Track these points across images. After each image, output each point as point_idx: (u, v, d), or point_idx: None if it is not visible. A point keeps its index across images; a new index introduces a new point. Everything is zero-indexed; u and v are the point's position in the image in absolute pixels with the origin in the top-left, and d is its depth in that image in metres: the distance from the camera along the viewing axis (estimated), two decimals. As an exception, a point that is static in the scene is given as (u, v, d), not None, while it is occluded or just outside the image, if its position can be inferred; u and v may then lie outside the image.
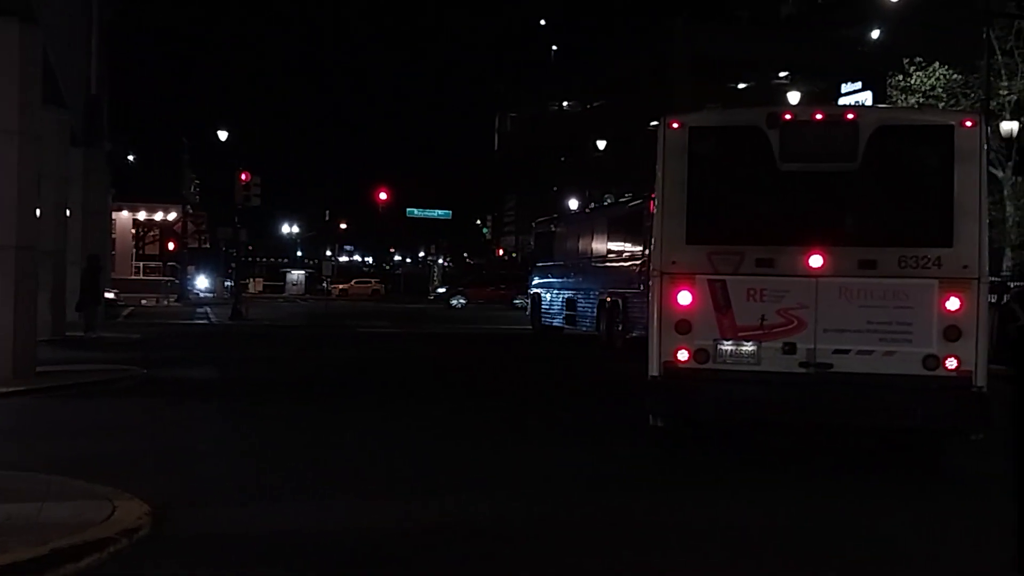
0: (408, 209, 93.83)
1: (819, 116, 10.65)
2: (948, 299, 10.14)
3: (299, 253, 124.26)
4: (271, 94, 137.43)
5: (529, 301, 34.36)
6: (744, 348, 10.50)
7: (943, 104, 35.45)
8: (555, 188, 73.63)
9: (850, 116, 10.59)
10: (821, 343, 10.32)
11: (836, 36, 66.24)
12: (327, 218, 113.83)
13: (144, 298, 56.25)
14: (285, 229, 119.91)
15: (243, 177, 42.04)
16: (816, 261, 10.39)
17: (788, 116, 10.66)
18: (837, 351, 10.30)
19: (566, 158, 78.38)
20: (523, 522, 7.93)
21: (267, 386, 17.14)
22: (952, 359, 10.07)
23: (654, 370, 10.67)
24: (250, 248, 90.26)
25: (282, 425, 12.83)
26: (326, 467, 9.97)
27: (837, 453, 11.27)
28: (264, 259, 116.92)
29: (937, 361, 10.09)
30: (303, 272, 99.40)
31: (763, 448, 11.52)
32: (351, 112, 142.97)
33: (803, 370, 10.36)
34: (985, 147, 10.50)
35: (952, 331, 10.09)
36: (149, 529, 7.33)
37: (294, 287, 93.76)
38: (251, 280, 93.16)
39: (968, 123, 10.42)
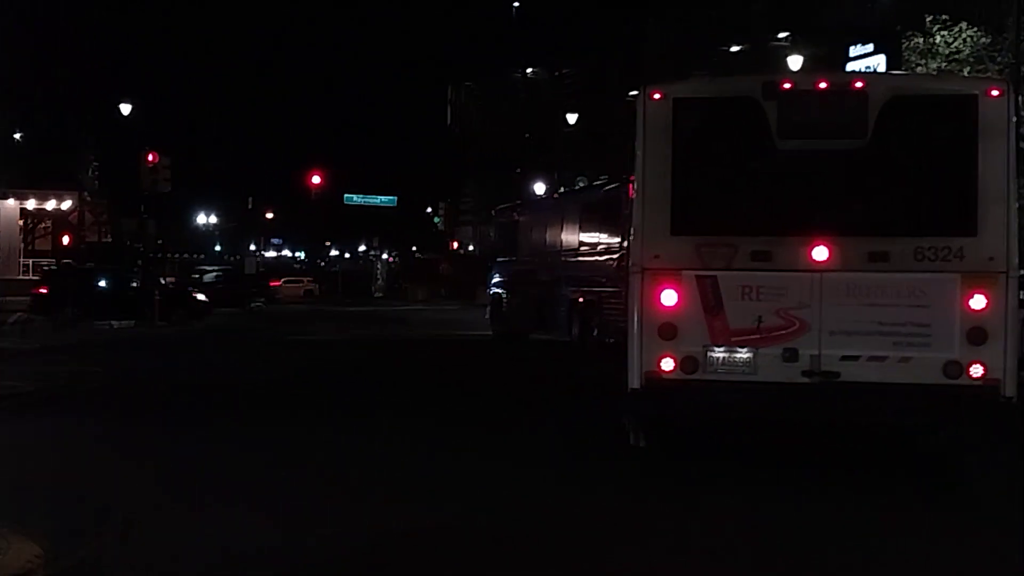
0: (346, 195, 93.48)
1: (823, 85, 10.77)
2: (972, 296, 10.28)
3: (218, 248, 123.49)
4: (183, 63, 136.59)
5: (489, 302, 34.38)
6: (738, 355, 10.60)
7: (968, 70, 35.78)
8: (519, 169, 73.61)
9: (859, 85, 10.72)
10: (827, 348, 10.43)
11: (843, -10, 66.68)
12: (250, 206, 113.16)
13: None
14: (201, 220, 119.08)
15: (150, 158, 41.75)
16: (820, 254, 10.49)
17: (787, 85, 10.77)
18: (845, 357, 10.41)
19: (531, 134, 78.38)
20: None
21: (182, 401, 17.11)
22: (977, 366, 10.21)
23: (634, 381, 10.74)
24: (160, 242, 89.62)
25: (195, 450, 12.81)
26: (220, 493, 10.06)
27: (838, 462, 11.36)
28: (176, 255, 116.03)
29: (960, 368, 10.23)
30: (222, 270, 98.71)
31: (758, 463, 11.61)
32: (278, 82, 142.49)
33: (806, 380, 10.47)
34: (1014, 120, 10.64)
35: (977, 333, 10.22)
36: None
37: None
38: (161, 280, 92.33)
39: (995, 92, 10.56)
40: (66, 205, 70.56)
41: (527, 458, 11.94)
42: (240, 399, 17.92)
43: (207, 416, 15.57)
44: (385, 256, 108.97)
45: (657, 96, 10.88)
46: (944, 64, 36.62)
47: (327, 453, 12.36)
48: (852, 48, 58.69)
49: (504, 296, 32.66)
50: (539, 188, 58.76)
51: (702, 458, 11.95)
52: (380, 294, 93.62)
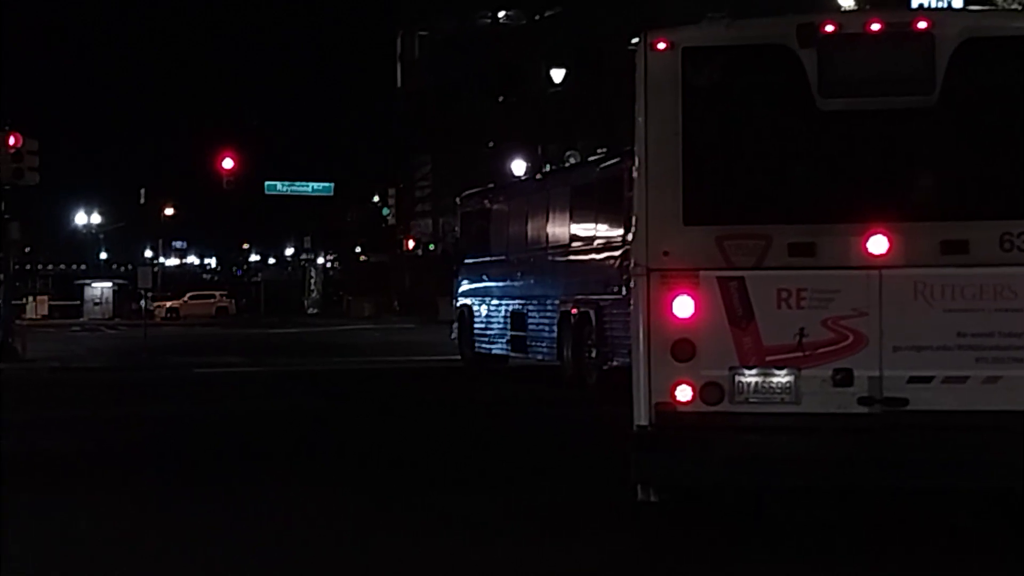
0: (267, 183, 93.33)
1: (876, 26, 10.81)
2: (1077, 295, 10.35)
3: (103, 255, 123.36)
4: (53, 15, 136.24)
5: (456, 317, 34.41)
6: (776, 379, 10.63)
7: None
8: (491, 144, 73.70)
9: (923, 25, 10.76)
10: (890, 369, 10.46)
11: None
12: (143, 200, 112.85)
13: None
14: (80, 220, 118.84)
15: (11, 141, 41.62)
16: (878, 245, 10.53)
17: (830, 28, 10.81)
18: (914, 379, 10.44)
19: (506, 97, 78.47)
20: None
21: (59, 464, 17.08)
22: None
23: (642, 418, 10.76)
24: (27, 250, 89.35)
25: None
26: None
27: (911, 534, 11.42)
28: (50, 266, 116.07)
29: (1064, 389, 10.30)
30: (110, 284, 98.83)
31: (804, 531, 11.64)
32: (174, 39, 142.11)
33: (865, 409, 10.50)
34: None
35: (1085, 343, 10.31)
36: None
37: (97, 307, 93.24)
38: (30, 299, 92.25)
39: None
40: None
41: (524, 531, 11.96)
42: None
43: None
44: (321, 261, 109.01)
45: (662, 45, 10.90)
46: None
47: None
48: (918, -23, 59.12)
49: (475, 309, 32.67)
50: (518, 167, 58.83)
51: (734, 517, 11.97)
52: (315, 310, 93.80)
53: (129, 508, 13.66)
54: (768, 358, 10.61)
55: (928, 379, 10.43)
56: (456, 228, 38.60)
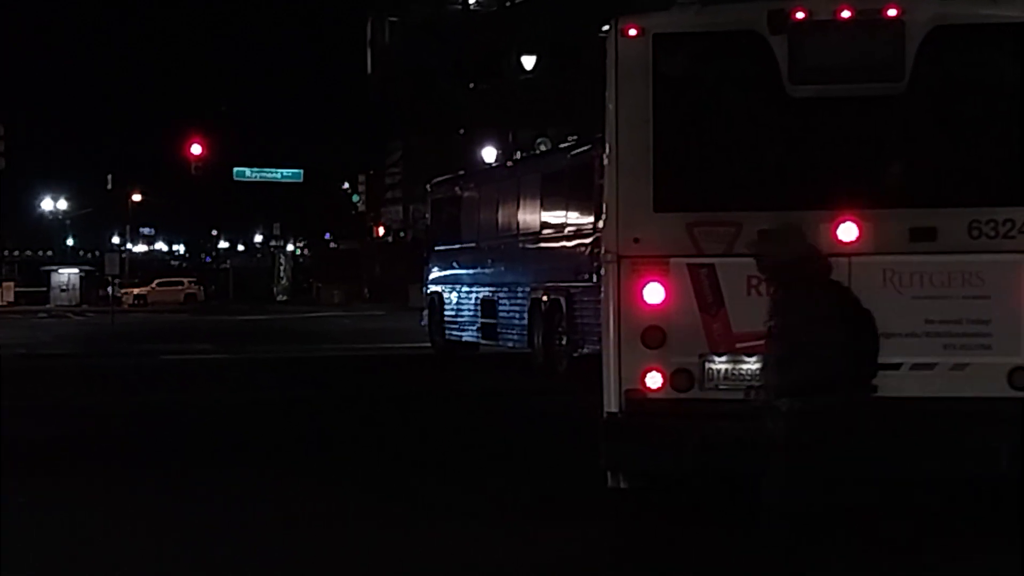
0: (236, 169, 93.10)
1: (846, 13, 10.84)
2: (1045, 282, 10.42)
3: (70, 242, 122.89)
4: (18, 4, 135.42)
5: (426, 304, 34.42)
6: (746, 366, 10.68)
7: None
8: (462, 131, 73.68)
9: (893, 12, 10.79)
10: (859, 355, 10.51)
11: None
12: (110, 186, 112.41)
13: None
14: (47, 206, 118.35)
15: (-24, 127, 41.49)
16: (847, 232, 10.58)
17: (800, 14, 10.84)
18: (882, 366, 10.43)
19: (477, 84, 78.40)
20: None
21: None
22: (1055, 372, 10.36)
23: (612, 404, 10.81)
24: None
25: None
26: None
27: (890, 520, 11.48)
28: (16, 252, 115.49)
29: (1031, 376, 10.38)
30: (77, 271, 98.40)
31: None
32: (146, 24, 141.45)
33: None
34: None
35: (1053, 330, 10.38)
36: None
37: (64, 294, 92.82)
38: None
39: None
40: None
41: (491, 521, 11.98)
42: None
43: None
44: (290, 248, 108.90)
45: (633, 32, 10.92)
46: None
47: None
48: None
49: (446, 296, 32.67)
50: (488, 154, 58.78)
51: (705, 503, 12.02)
52: (284, 297, 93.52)
53: (99, 498, 13.60)
54: (738, 345, 10.65)
55: (896, 366, 10.45)
56: (426, 215, 38.57)
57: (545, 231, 27.14)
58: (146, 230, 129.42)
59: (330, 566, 10.51)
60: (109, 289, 78.95)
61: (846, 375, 8.67)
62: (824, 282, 8.80)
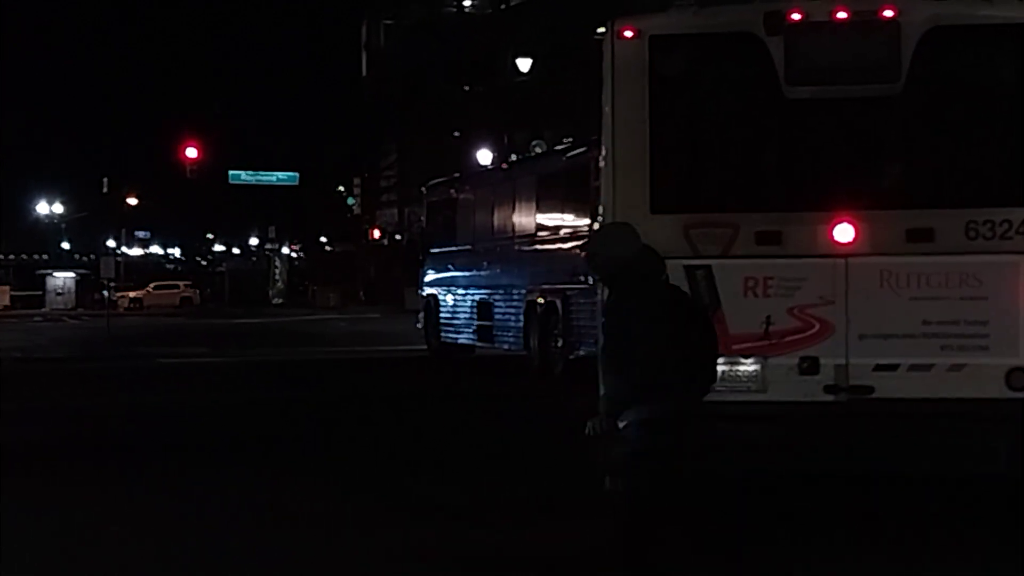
0: (232, 172, 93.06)
1: (842, 14, 10.86)
2: (1041, 283, 10.42)
3: (65, 245, 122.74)
4: (12, 7, 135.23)
5: (422, 307, 34.42)
6: (742, 368, 10.68)
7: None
8: (457, 133, 73.65)
9: (889, 13, 10.81)
10: (856, 356, 10.53)
11: None
12: (106, 190, 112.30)
13: None
14: (42, 209, 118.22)
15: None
16: (844, 234, 10.59)
17: (796, 16, 10.86)
18: (880, 367, 10.50)
19: (472, 86, 78.40)
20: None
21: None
22: (1050, 373, 10.36)
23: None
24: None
25: None
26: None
27: (888, 521, 11.47)
28: (11, 256, 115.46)
29: (1027, 377, 10.39)
30: (72, 275, 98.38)
31: (775, 519, 11.69)
32: (141, 27, 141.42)
33: (831, 397, 10.56)
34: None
35: (1049, 331, 10.39)
36: None
37: (60, 297, 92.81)
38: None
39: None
40: None
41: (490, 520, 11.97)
42: None
43: None
44: (285, 250, 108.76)
45: (629, 34, 10.94)
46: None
47: None
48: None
49: (441, 299, 32.66)
50: (484, 157, 58.79)
51: (702, 504, 12.00)
52: (280, 300, 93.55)
53: (96, 499, 13.60)
54: (735, 347, 10.65)
55: (894, 367, 10.50)
56: (422, 218, 38.58)
57: (541, 233, 27.14)
58: (142, 233, 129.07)
59: (326, 566, 10.49)
60: (105, 293, 79.02)
61: (679, 379, 8.47)
62: (657, 283, 8.54)
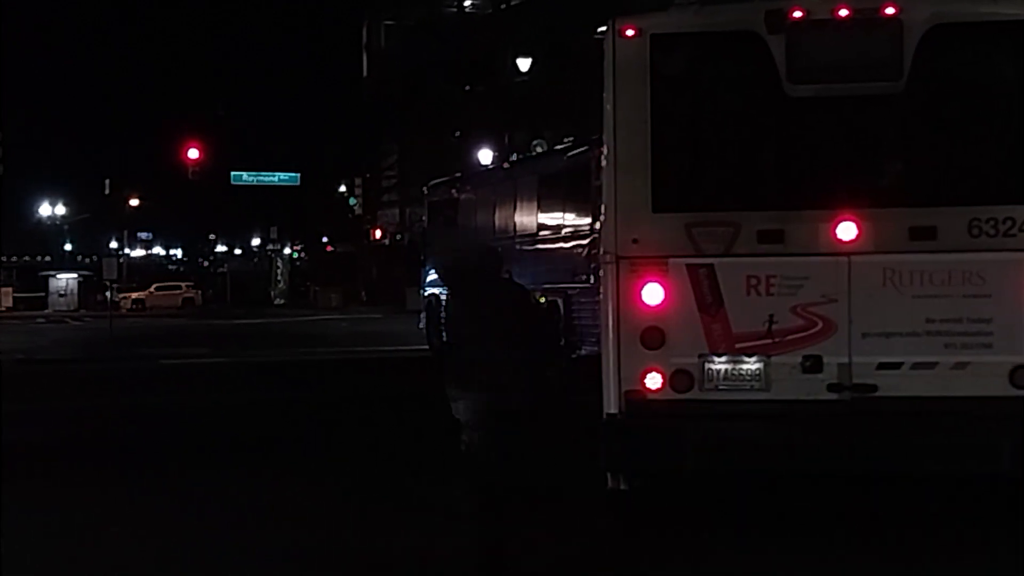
0: (233, 173, 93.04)
1: (844, 12, 10.83)
2: (1046, 281, 10.39)
3: (68, 247, 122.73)
4: (14, 9, 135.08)
5: (424, 307, 34.37)
6: (745, 366, 10.65)
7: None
8: (457, 133, 73.64)
9: (891, 11, 10.78)
10: (859, 355, 10.50)
11: None
12: (108, 191, 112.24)
13: None
14: (45, 211, 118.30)
15: (-27, 132, 41.44)
16: (847, 232, 10.56)
17: (798, 14, 10.83)
18: (883, 365, 10.48)
19: (473, 86, 78.41)
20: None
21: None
22: (1055, 371, 10.32)
23: (611, 405, 10.78)
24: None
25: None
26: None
27: (890, 522, 11.45)
28: (13, 258, 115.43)
29: (1032, 375, 10.34)
30: (75, 276, 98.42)
31: (778, 519, 11.67)
32: (142, 28, 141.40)
33: (834, 396, 10.54)
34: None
35: (1053, 329, 10.35)
36: None
37: (62, 299, 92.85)
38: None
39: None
40: None
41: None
42: None
43: None
44: (287, 251, 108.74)
45: (630, 32, 10.91)
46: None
47: None
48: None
49: (443, 299, 32.57)
50: (485, 157, 58.77)
51: (707, 503, 12.00)
52: (281, 300, 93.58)
53: (97, 500, 13.61)
54: (737, 345, 10.64)
55: (897, 365, 10.47)
56: (423, 218, 38.56)
57: (542, 233, 27.12)
58: (144, 235, 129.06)
59: (327, 566, 10.48)
60: (107, 294, 79.03)
61: (514, 376, 8.40)
62: (493, 281, 8.42)
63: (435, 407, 22.13)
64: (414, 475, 14.62)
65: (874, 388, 10.50)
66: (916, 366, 10.47)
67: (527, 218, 27.99)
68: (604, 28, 11.16)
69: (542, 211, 27.27)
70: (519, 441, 8.70)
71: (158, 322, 67.59)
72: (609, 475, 11.13)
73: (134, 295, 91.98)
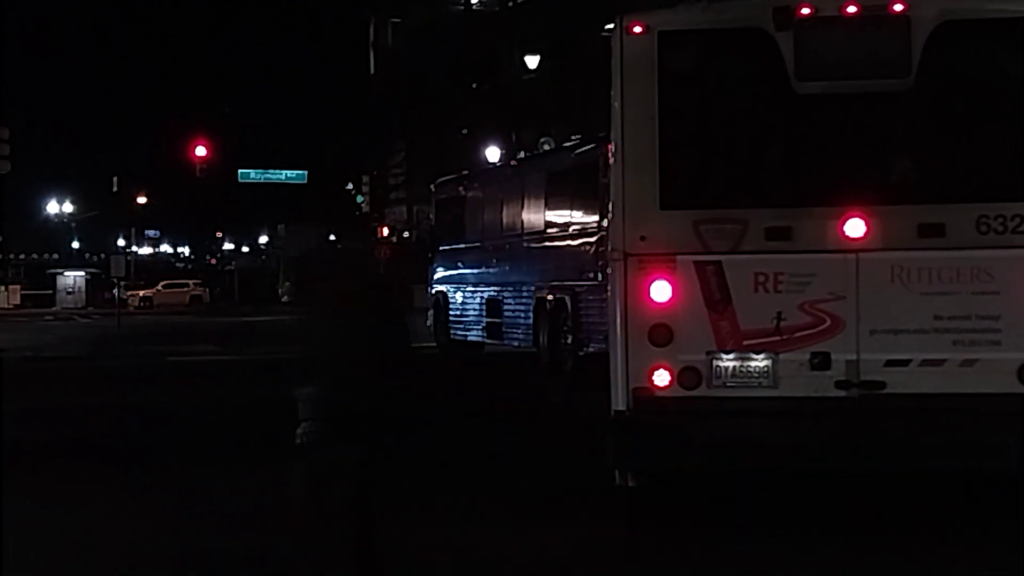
0: (241, 171, 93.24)
1: (852, 9, 10.82)
2: (1054, 278, 10.37)
3: (75, 244, 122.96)
4: (21, 7, 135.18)
5: (431, 304, 34.42)
6: (753, 364, 10.65)
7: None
8: (464, 130, 73.69)
9: (899, 7, 10.77)
10: (867, 352, 10.49)
11: None
12: (115, 189, 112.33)
13: None
14: (52, 209, 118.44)
15: (-19, 130, 41.45)
16: (855, 229, 10.55)
17: (806, 11, 10.82)
18: (891, 363, 10.47)
19: (480, 84, 78.45)
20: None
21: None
22: (1063, 368, 10.30)
23: (619, 403, 10.77)
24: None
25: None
26: None
27: (896, 520, 11.43)
28: (21, 256, 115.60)
29: (1041, 372, 10.32)
30: (83, 273, 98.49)
31: (784, 517, 11.65)
32: (149, 26, 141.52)
33: (842, 393, 10.52)
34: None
35: (1061, 326, 10.33)
36: None
37: (70, 296, 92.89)
38: (1, 288, 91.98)
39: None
40: None
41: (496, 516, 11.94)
42: None
43: None
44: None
45: (638, 29, 10.90)
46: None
47: None
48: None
49: (450, 296, 32.66)
50: (492, 154, 58.80)
51: (713, 501, 11.99)
52: (289, 298, 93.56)
53: (101, 498, 13.58)
54: (745, 342, 10.63)
55: (905, 362, 10.47)
56: (431, 215, 38.53)
57: (550, 230, 27.13)
58: (151, 232, 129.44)
59: (329, 565, 10.44)
60: (115, 291, 79.07)
61: (357, 383, 8.31)
62: (342, 280, 8.27)
63: (440, 403, 22.23)
64: (421, 473, 14.59)
65: (882, 385, 10.49)
66: (924, 363, 10.47)
67: (535, 215, 28.00)
68: (612, 25, 11.17)
69: (550, 208, 27.28)
70: (357, 437, 8.58)
71: (166, 319, 67.66)
72: (616, 472, 11.12)
73: (142, 293, 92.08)
